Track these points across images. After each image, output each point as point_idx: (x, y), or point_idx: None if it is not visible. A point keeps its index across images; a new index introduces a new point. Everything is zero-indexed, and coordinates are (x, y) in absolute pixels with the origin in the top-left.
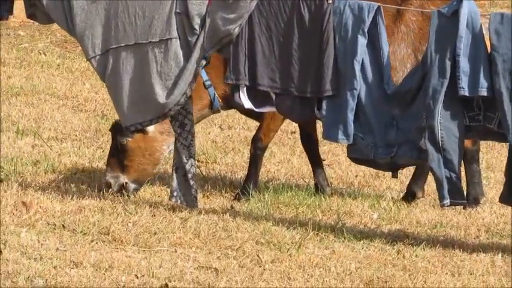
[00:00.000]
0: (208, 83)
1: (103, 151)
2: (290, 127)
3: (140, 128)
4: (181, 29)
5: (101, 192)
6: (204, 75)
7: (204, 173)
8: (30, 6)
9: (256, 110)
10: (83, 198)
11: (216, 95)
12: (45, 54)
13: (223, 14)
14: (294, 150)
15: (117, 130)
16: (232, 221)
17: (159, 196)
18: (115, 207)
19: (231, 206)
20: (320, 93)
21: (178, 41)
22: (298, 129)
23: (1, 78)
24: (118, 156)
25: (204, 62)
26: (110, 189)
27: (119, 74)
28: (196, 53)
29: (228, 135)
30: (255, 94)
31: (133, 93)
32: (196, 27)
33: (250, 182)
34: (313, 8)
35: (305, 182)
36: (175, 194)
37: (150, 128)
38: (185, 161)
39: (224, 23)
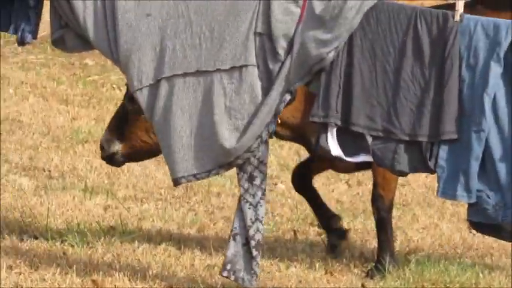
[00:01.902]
0: None
1: (196, 214)
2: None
3: (194, 180)
4: (262, 55)
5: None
6: None
7: (326, 243)
8: (60, 27)
9: (346, 159)
10: (170, 275)
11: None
12: (120, 89)
13: (316, 34)
14: (443, 213)
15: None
16: None
17: (268, 272)
18: (211, 287)
19: (362, 286)
20: (437, 136)
21: (256, 70)
22: None
23: (64, 119)
24: (121, 119)
25: (288, 97)
26: (103, 153)
27: (171, 111)
28: (278, 85)
29: (358, 193)
30: (345, 137)
31: (190, 135)
32: (281, 52)
33: (385, 254)
34: (434, 28)
35: (457, 253)
36: (228, 267)
37: None
38: (249, 224)
39: (317, 45)
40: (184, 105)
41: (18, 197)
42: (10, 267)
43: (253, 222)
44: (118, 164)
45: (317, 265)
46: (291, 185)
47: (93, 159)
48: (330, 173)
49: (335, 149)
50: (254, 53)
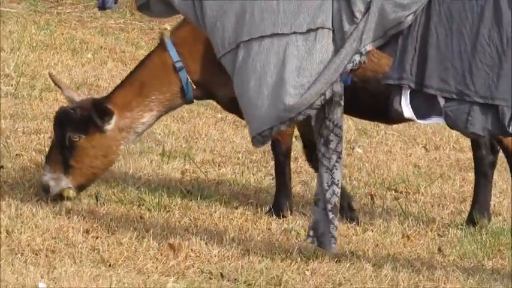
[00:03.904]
0: (179, 64)
1: (273, 178)
2: None
3: (261, 139)
4: (338, 18)
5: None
6: (174, 54)
7: (403, 207)
8: None
9: (418, 121)
10: (246, 239)
11: (189, 80)
12: None
13: None
14: None
15: (64, 121)
16: (440, 269)
17: (345, 236)
18: (288, 251)
19: (439, 249)
20: None
21: (331, 33)
22: None
23: None
24: (62, 153)
25: (357, 59)
26: (48, 194)
27: (246, 74)
28: (348, 46)
29: (435, 158)
30: (418, 99)
31: (257, 97)
32: (358, 14)
33: (282, 197)
34: None
35: None
36: (311, 233)
37: (109, 126)
38: (326, 187)
39: (395, 9)
40: (256, 68)
41: None
42: (87, 231)
43: (329, 186)
44: (70, 199)
45: (394, 229)
46: (369, 149)
47: (171, 123)
48: (407, 137)
49: (407, 112)
50: (331, 17)
